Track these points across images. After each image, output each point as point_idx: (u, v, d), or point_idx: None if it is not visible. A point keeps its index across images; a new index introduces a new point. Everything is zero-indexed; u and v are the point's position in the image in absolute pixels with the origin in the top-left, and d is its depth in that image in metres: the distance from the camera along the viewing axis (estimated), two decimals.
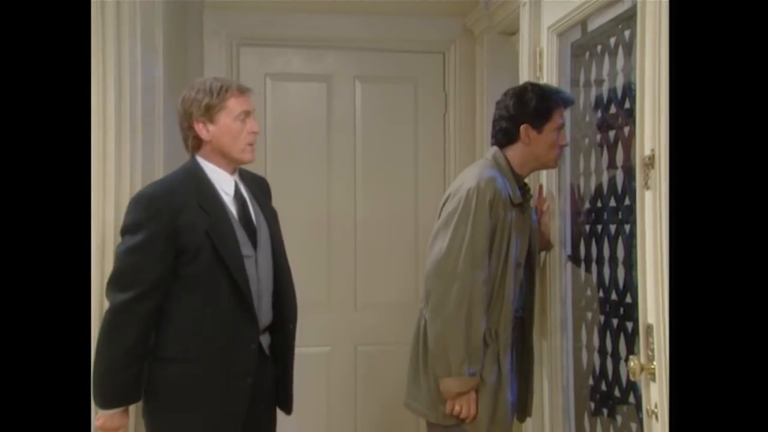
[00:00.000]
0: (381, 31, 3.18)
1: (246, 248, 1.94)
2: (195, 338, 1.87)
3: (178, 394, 1.87)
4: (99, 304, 2.19)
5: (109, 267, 2.19)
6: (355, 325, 3.15)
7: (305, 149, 3.13)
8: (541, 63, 2.43)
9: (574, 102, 2.23)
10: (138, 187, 2.31)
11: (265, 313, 1.98)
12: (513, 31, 2.89)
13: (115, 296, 1.85)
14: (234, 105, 1.93)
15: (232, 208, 1.96)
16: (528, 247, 2.17)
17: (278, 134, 3.10)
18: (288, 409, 2.09)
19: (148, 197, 1.91)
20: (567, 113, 2.37)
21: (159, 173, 2.51)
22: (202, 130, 1.94)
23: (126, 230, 1.89)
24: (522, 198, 2.16)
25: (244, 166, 2.08)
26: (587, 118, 2.32)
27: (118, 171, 2.26)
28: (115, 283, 1.87)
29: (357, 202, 3.20)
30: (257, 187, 2.10)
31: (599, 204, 2.24)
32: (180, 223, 1.85)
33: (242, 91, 1.96)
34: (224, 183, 1.97)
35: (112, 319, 1.85)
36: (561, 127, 2.17)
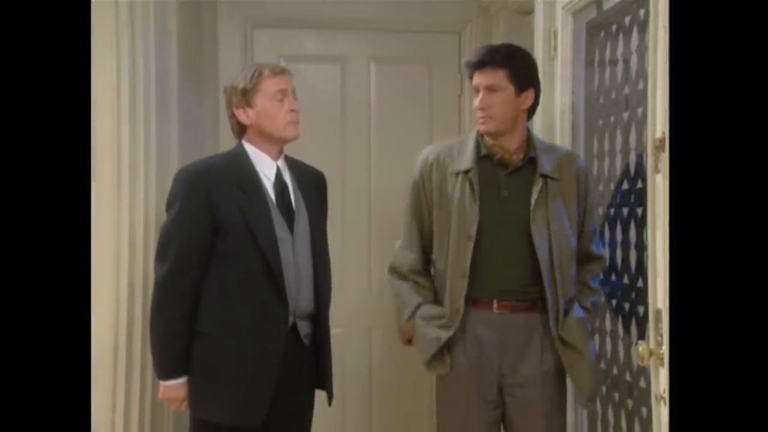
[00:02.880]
0: (396, 12, 3.14)
1: (282, 231, 1.98)
2: (225, 314, 1.93)
3: (207, 367, 1.93)
4: (113, 292, 2.21)
5: (124, 252, 2.23)
6: (369, 307, 3.16)
7: (319, 131, 3.12)
8: (555, 43, 2.39)
9: (474, 63, 2.03)
10: (153, 174, 2.34)
11: (305, 300, 2.01)
12: (529, 11, 2.85)
13: (158, 268, 1.95)
14: (268, 86, 1.99)
15: (271, 192, 2.01)
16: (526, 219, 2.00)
17: None
18: (330, 399, 2.12)
19: (186, 173, 2.00)
20: (580, 91, 2.34)
21: (174, 159, 2.53)
22: (242, 115, 2.01)
23: (167, 204, 1.99)
24: (474, 165, 2.03)
25: (300, 156, 2.17)
26: (601, 100, 2.29)
27: (133, 158, 2.26)
28: (157, 255, 1.97)
29: (371, 183, 3.19)
30: (308, 178, 2.14)
31: (612, 187, 2.21)
32: (215, 200, 1.92)
33: (276, 72, 2.02)
34: (266, 167, 2.02)
35: (158, 293, 1.95)
36: (476, 90, 2.04)
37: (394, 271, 2.18)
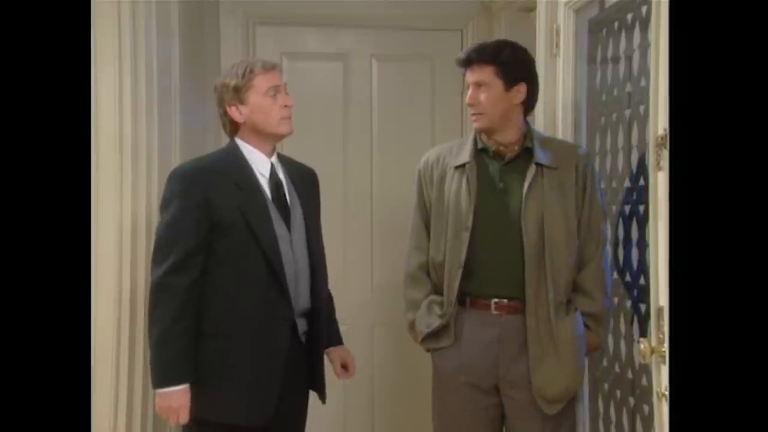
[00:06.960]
0: (398, 9, 3.14)
1: (280, 228, 1.96)
2: (229, 313, 1.90)
3: (214, 368, 1.89)
4: (116, 291, 2.17)
5: (126, 250, 2.21)
6: (372, 305, 3.16)
7: (322, 128, 3.12)
8: (557, 40, 2.39)
9: (462, 61, 2.06)
10: (155, 169, 2.32)
11: (303, 298, 1.99)
12: (531, 8, 2.84)
13: (154, 271, 1.90)
14: (260, 82, 1.96)
15: (267, 189, 1.98)
16: (517, 214, 1.98)
17: (295, 114, 3.03)
18: (323, 397, 2.08)
19: (181, 172, 1.96)
20: (582, 88, 2.33)
21: (176, 154, 2.52)
22: (235, 112, 1.98)
23: (162, 205, 1.95)
24: (472, 159, 2.05)
25: (292, 154, 2.14)
26: (603, 97, 2.29)
27: (135, 153, 2.25)
28: (154, 257, 1.92)
29: (374, 181, 3.19)
30: (300, 175, 2.11)
31: (614, 184, 2.21)
32: (212, 198, 1.89)
33: (267, 68, 1.99)
34: (260, 164, 2.00)
35: (152, 295, 1.90)
36: (467, 87, 2.06)
37: (410, 277, 2.16)
